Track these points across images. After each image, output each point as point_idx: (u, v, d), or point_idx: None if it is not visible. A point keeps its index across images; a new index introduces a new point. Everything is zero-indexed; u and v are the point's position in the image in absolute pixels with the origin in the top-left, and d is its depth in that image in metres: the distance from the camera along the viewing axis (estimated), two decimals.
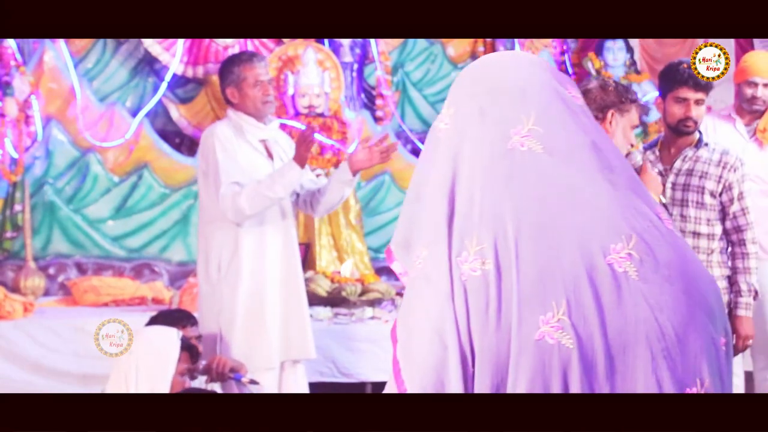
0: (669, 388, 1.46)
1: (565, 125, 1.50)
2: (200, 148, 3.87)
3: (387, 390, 1.68)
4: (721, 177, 3.69)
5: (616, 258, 1.43)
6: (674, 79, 3.70)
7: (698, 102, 3.70)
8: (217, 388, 3.60)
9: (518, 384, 1.48)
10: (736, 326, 3.70)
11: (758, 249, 3.76)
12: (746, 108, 4.43)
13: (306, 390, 3.97)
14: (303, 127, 5.82)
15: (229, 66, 3.94)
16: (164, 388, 2.94)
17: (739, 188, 3.70)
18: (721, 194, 3.69)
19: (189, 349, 3.07)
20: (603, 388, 1.45)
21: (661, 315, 1.43)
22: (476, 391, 1.54)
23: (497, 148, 1.49)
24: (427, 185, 1.58)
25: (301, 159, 3.71)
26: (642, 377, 1.46)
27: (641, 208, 1.48)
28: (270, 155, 3.88)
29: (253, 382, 3.51)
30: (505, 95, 1.52)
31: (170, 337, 3.04)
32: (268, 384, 3.73)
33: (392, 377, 1.66)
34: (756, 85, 4.37)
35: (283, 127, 4.74)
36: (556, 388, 1.46)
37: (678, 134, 3.76)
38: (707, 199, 3.69)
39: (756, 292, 3.74)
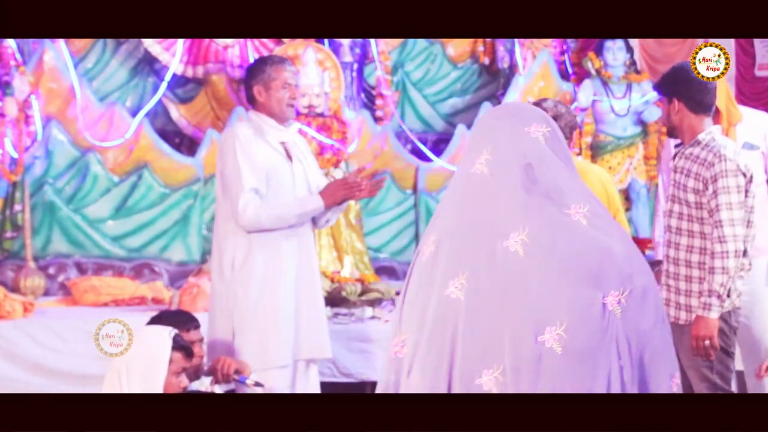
0: (529, 326, 2.01)
1: (507, 154, 2.15)
2: (219, 148, 3.90)
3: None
4: (698, 174, 3.65)
5: (511, 242, 2.07)
6: None
7: (663, 101, 3.80)
8: (219, 389, 3.59)
9: (428, 325, 2.09)
10: (692, 326, 3.67)
11: (728, 248, 3.57)
12: None
13: (317, 392, 3.99)
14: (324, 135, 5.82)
15: (260, 65, 3.97)
16: (157, 388, 2.93)
17: (714, 186, 3.58)
18: (705, 191, 3.66)
19: (182, 349, 3.04)
20: (484, 328, 2.03)
21: (533, 279, 2.03)
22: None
23: (464, 172, 2.19)
24: None
25: (331, 201, 3.82)
26: (510, 319, 2.03)
27: (545, 207, 2.10)
28: (289, 157, 3.90)
29: (258, 384, 3.51)
30: (478, 137, 2.23)
31: (161, 337, 3.01)
32: (281, 382, 3.73)
33: None
34: None
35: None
36: (451, 325, 2.06)
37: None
38: (690, 197, 3.67)
39: (718, 295, 3.57)
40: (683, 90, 3.73)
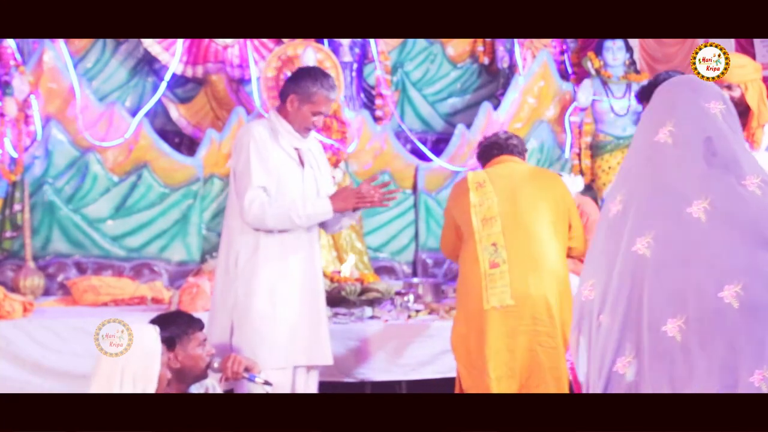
0: (710, 283, 2.26)
1: (690, 127, 2.42)
2: (234, 144, 3.91)
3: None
4: None
5: (694, 209, 2.33)
6: None
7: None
8: (220, 389, 3.60)
9: (616, 275, 2.36)
10: None
11: None
12: None
13: None
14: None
15: (308, 79, 3.88)
16: (151, 385, 2.97)
17: None
18: None
19: (165, 341, 3.13)
20: (669, 282, 2.30)
21: (713, 243, 2.29)
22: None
23: (647, 139, 2.47)
24: None
25: (341, 207, 3.80)
26: (693, 276, 2.28)
27: (724, 178, 2.35)
28: (301, 162, 3.90)
29: (267, 383, 3.52)
30: (660, 108, 2.49)
31: (150, 334, 3.07)
32: (278, 384, 3.74)
33: None
34: None
35: None
36: (638, 278, 2.33)
37: None
38: None
39: None
40: None
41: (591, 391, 2.36)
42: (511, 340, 4.00)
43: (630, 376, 2.30)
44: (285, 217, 3.74)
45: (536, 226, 4.10)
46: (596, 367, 2.36)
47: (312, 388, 3.96)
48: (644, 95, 3.95)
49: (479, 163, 4.45)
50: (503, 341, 4.00)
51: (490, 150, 4.37)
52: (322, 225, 4.02)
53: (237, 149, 3.85)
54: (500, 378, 4.00)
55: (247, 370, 3.52)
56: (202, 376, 3.38)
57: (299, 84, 3.87)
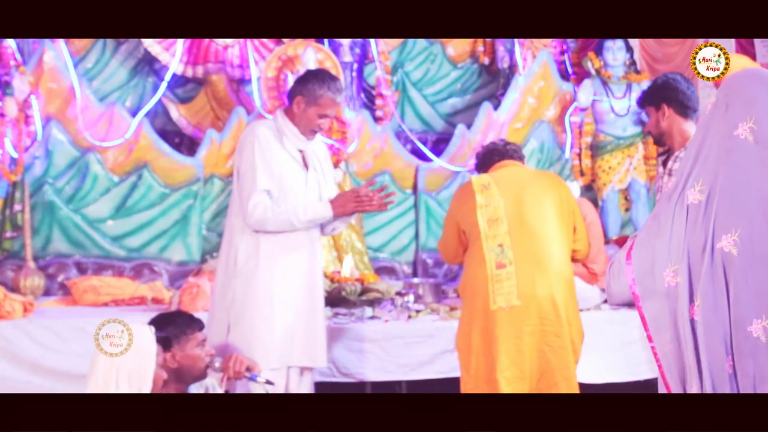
0: None
1: None
2: (239, 144, 3.92)
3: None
4: None
5: None
6: None
7: (650, 111, 3.92)
8: (219, 388, 3.60)
9: (704, 272, 2.31)
10: None
11: None
12: None
13: None
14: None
15: (315, 81, 3.91)
16: (146, 386, 2.98)
17: None
18: None
19: (160, 341, 3.14)
20: (755, 282, 2.27)
21: None
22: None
23: (724, 131, 2.41)
24: None
25: (341, 212, 3.84)
26: None
27: None
28: (306, 165, 3.91)
29: (268, 382, 3.52)
30: (740, 100, 2.42)
31: (145, 334, 3.08)
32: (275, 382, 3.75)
33: None
34: None
35: None
36: (725, 276, 2.30)
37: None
38: None
39: None
40: (671, 95, 3.85)
41: (695, 391, 2.32)
42: (519, 341, 4.02)
43: (732, 374, 2.28)
44: (286, 221, 3.79)
45: (542, 227, 4.12)
46: (707, 365, 2.31)
47: (305, 390, 3.96)
48: (645, 101, 3.97)
49: (479, 172, 4.46)
50: (512, 342, 4.01)
51: (491, 157, 4.40)
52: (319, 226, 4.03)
53: (241, 149, 3.86)
54: (512, 379, 4.01)
55: (248, 369, 3.53)
56: (202, 376, 3.39)
57: (306, 86, 3.89)
